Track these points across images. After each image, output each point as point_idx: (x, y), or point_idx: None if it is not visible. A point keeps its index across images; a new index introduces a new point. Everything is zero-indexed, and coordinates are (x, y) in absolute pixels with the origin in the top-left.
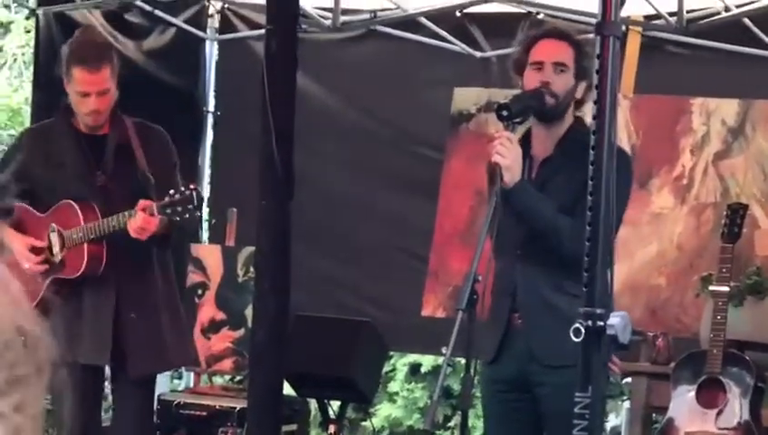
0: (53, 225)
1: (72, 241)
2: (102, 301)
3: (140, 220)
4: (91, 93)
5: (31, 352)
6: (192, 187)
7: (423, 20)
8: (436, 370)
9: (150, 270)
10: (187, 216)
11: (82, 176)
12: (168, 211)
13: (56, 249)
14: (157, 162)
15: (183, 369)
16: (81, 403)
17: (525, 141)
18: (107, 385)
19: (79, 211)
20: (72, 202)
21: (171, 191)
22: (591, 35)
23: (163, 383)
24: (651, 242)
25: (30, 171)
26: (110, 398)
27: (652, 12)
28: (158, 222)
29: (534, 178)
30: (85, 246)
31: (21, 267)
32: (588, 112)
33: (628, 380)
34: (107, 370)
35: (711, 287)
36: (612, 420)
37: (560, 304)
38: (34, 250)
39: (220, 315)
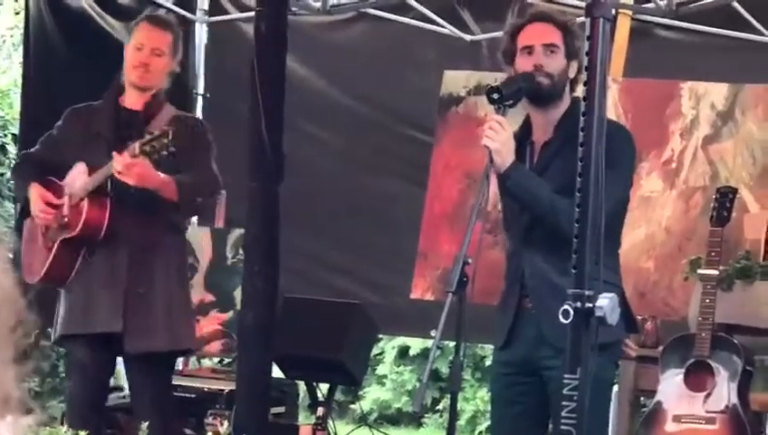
0: (66, 188)
1: (75, 198)
2: (115, 268)
3: (116, 161)
4: (145, 47)
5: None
6: (170, 127)
7: (413, 3)
8: (424, 353)
9: (167, 243)
10: (165, 152)
11: (110, 145)
12: (147, 148)
13: (65, 209)
14: (181, 142)
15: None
16: (87, 376)
17: (526, 128)
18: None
19: (86, 169)
20: (82, 163)
21: (154, 130)
22: (576, 18)
23: None
24: (640, 225)
25: (66, 144)
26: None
27: None
28: (144, 167)
29: (536, 163)
30: (85, 202)
31: (35, 233)
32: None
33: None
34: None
35: (700, 271)
36: None
37: (567, 287)
38: (49, 205)
39: (209, 298)
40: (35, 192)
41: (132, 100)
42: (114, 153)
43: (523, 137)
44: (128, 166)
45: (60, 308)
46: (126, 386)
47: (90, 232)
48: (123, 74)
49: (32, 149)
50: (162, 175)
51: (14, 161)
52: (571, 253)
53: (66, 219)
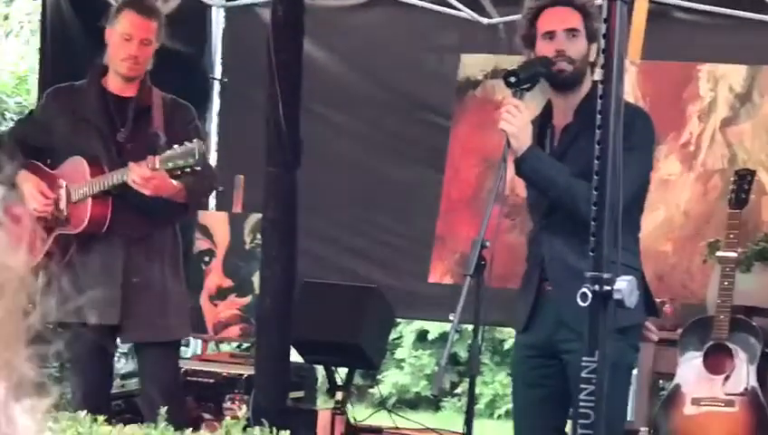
0: (61, 180)
1: (77, 196)
2: (111, 261)
3: (134, 172)
4: (133, 38)
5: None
6: (195, 140)
7: None
8: (443, 336)
9: (161, 236)
10: (189, 170)
11: (103, 133)
12: (170, 165)
13: (62, 204)
14: (176, 131)
15: (190, 336)
16: (90, 363)
17: (547, 111)
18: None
19: (87, 167)
20: (81, 158)
21: (175, 146)
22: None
23: None
24: (658, 208)
25: (52, 126)
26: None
27: None
28: (162, 179)
29: (556, 147)
30: (89, 201)
31: (25, 222)
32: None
33: None
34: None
35: (718, 253)
36: None
37: (587, 270)
38: (44, 196)
39: (227, 282)
40: (30, 183)
41: (119, 86)
42: (131, 164)
43: (543, 120)
44: (147, 179)
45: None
46: None
47: (91, 229)
48: (106, 57)
49: (10, 129)
50: (175, 182)
51: None
52: (589, 237)
53: (65, 214)
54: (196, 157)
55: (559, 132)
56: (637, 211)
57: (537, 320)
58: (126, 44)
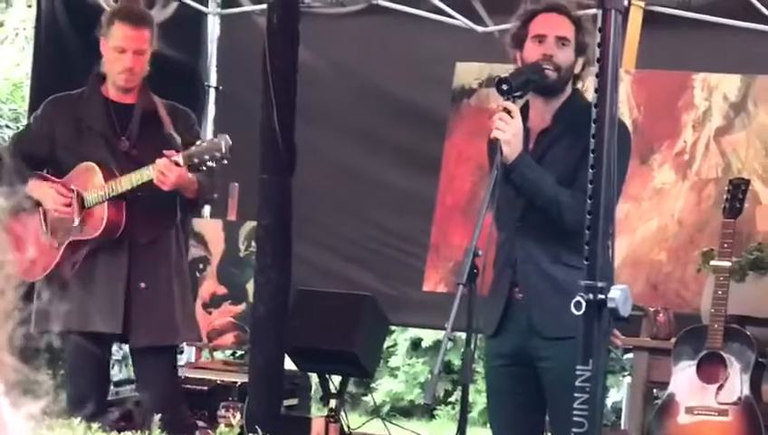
0: (73, 187)
1: (92, 200)
2: (115, 268)
3: (161, 165)
4: (127, 50)
5: None
6: (220, 134)
7: None
8: (436, 345)
9: (167, 239)
10: (214, 163)
11: (108, 140)
12: (195, 160)
13: (76, 210)
14: (181, 133)
15: (184, 343)
16: (86, 371)
17: (523, 114)
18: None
19: (99, 172)
20: (92, 164)
21: (198, 142)
22: (590, 11)
23: None
24: (652, 217)
25: (54, 135)
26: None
27: None
28: (183, 174)
29: (532, 150)
30: (105, 205)
31: (35, 236)
32: (587, 87)
33: (630, 355)
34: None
35: (712, 262)
36: (613, 396)
37: (558, 275)
38: (62, 195)
39: (221, 290)
40: (45, 186)
41: (118, 94)
42: (159, 159)
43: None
44: (165, 175)
45: (46, 303)
46: None
47: (107, 235)
48: (103, 66)
49: (11, 145)
50: (191, 175)
51: None
52: (565, 242)
53: (78, 220)
54: (223, 151)
55: (534, 136)
56: None
57: (507, 326)
58: (120, 57)
